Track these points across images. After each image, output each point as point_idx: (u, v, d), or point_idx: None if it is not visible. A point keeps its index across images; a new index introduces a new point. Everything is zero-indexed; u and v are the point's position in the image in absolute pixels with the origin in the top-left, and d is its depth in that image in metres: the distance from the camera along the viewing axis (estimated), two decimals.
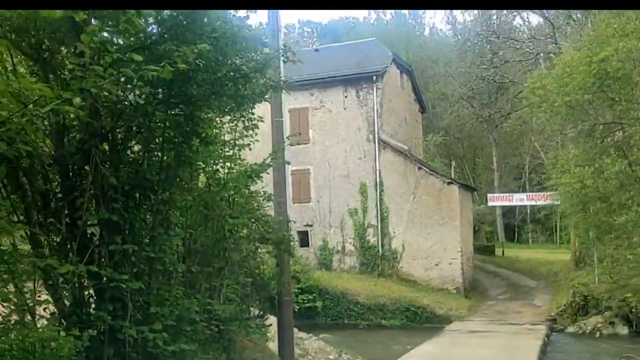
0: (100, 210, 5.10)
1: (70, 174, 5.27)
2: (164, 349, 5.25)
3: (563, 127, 14.68)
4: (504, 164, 45.88)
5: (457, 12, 44.16)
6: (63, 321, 5.04)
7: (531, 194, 31.55)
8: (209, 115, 6.27)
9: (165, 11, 5.00)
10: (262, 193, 8.90)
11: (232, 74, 5.29)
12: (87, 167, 5.17)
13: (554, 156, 17.33)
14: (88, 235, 5.30)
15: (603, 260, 17.87)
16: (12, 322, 4.46)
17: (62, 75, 5.15)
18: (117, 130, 5.43)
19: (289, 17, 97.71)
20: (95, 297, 5.23)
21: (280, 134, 10.00)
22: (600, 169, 12.68)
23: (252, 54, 5.65)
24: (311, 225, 24.24)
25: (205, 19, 5.15)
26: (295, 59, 5.92)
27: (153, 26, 5.29)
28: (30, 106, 4.02)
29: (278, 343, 10.21)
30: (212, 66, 5.14)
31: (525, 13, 33.98)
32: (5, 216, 4.90)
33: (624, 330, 17.34)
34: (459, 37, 45.36)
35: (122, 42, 4.99)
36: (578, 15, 24.50)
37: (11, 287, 4.67)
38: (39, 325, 4.84)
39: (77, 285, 5.08)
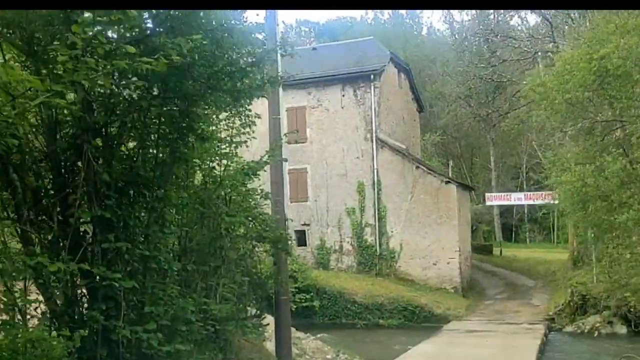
0: (93, 208, 4.98)
1: (62, 170, 5.16)
2: (159, 350, 5.14)
3: (563, 124, 14.57)
4: (502, 163, 45.82)
5: (454, 12, 44.08)
6: (55, 321, 4.93)
7: (529, 193, 31.47)
8: (205, 111, 6.16)
9: None
10: (260, 191, 8.79)
11: (228, 68, 5.18)
12: (79, 163, 5.06)
13: (554, 154, 17.22)
14: (80, 233, 5.19)
15: (602, 259, 17.81)
16: (1, 322, 4.34)
17: (55, 70, 5.04)
18: (111, 125, 5.31)
19: (286, 16, 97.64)
20: (87, 296, 5.11)
21: (278, 132, 9.89)
22: (600, 167, 12.60)
23: (249, 48, 5.53)
24: (308, 225, 24.13)
25: (201, 12, 5.03)
26: (293, 53, 5.80)
27: (147, 20, 5.18)
28: (21, 100, 3.91)
29: (275, 343, 10.12)
30: (208, 60, 5.04)
31: (523, 12, 33.92)
32: None
33: (622, 329, 17.27)
34: (456, 36, 45.31)
35: (115, 35, 4.86)
36: (575, 14, 24.44)
37: (0, 286, 4.54)
38: (30, 326, 4.73)
39: (69, 284, 4.97)
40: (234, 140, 7.91)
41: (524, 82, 18.36)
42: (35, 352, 4.30)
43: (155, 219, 5.59)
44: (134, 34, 4.96)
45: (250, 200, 8.59)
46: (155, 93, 5.35)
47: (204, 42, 5.00)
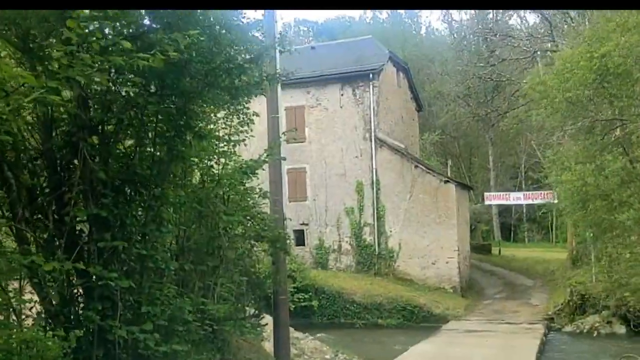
0: (89, 206, 4.92)
1: (58, 168, 5.10)
2: (156, 350, 5.08)
3: (563, 123, 14.51)
4: (500, 163, 45.80)
5: (453, 11, 44.01)
6: (50, 321, 4.86)
7: (528, 192, 31.41)
8: (203, 108, 6.09)
9: None
10: (258, 190, 8.72)
11: (226, 64, 5.11)
12: (75, 161, 4.99)
13: (554, 153, 17.17)
14: (76, 232, 5.13)
15: (601, 258, 17.76)
16: None
17: (50, 67, 4.97)
18: (107, 123, 5.24)
19: (285, 16, 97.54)
20: (83, 296, 5.05)
21: (276, 131, 9.83)
22: (600, 166, 12.55)
23: (247, 45, 5.46)
24: (307, 224, 24.07)
25: None
26: (291, 50, 5.74)
27: (144, 16, 5.11)
28: (15, 96, 3.84)
29: (274, 343, 10.07)
30: (206, 56, 4.97)
31: (522, 11, 33.87)
32: None
33: (621, 329, 17.23)
34: (455, 35, 45.29)
35: (111, 31, 4.80)
36: (574, 13, 24.40)
37: None
38: (25, 326, 4.66)
39: (64, 284, 4.90)
40: (232, 138, 7.84)
41: (524, 81, 18.33)
42: (30, 353, 4.24)
43: (153, 217, 5.52)
44: (131, 30, 4.91)
45: (249, 199, 8.52)
46: (152, 90, 5.28)
47: (202, 39, 4.94)
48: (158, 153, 5.63)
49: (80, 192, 4.94)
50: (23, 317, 4.73)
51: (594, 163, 12.85)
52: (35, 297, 4.87)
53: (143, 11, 4.96)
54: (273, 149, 8.93)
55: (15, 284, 4.71)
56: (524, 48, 29.76)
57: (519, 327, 17.44)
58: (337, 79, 23.80)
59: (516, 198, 31.46)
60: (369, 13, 60.49)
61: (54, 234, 4.91)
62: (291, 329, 11.49)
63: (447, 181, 23.31)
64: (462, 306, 20.94)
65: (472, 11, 37.64)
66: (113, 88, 5.12)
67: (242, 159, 8.27)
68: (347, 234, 23.73)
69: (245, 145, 8.00)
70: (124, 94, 5.29)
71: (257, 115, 7.71)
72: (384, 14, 58.51)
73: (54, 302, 4.89)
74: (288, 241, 9.92)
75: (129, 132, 5.47)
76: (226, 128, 7.76)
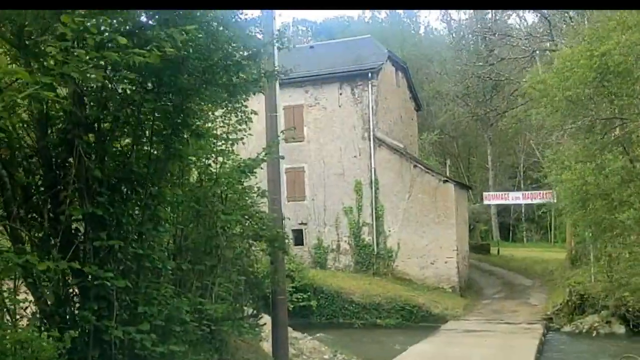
0: (85, 205, 4.85)
1: (53, 166, 5.03)
2: (152, 351, 5.01)
3: (563, 122, 14.45)
4: (499, 162, 45.77)
5: (452, 11, 43.97)
6: (45, 321, 4.79)
7: (527, 192, 31.39)
8: (200, 106, 6.02)
9: None
10: (256, 189, 8.66)
11: (223, 61, 5.04)
12: (71, 159, 4.92)
13: (554, 152, 17.12)
14: (72, 231, 5.06)
15: (600, 258, 17.72)
16: None
17: (45, 63, 4.91)
18: (103, 120, 5.18)
19: (283, 15, 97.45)
20: (79, 296, 4.98)
21: (275, 130, 9.77)
22: (601, 165, 12.50)
23: (245, 41, 5.39)
24: (306, 224, 24.01)
25: None
26: (290, 46, 5.68)
27: (141, 12, 5.05)
28: (9, 93, 3.78)
29: (272, 343, 10.02)
30: (203, 53, 4.91)
31: (521, 11, 33.82)
32: None
33: (620, 329, 17.19)
34: (453, 35, 45.28)
35: (107, 28, 4.73)
36: (572, 12, 24.36)
37: None
38: (20, 326, 4.60)
39: (59, 283, 4.83)
40: (230, 137, 7.78)
41: (523, 80, 18.27)
42: (24, 354, 4.17)
43: (149, 216, 5.46)
44: (127, 27, 4.84)
45: (247, 198, 8.46)
46: (149, 87, 5.21)
47: (199, 36, 4.88)
48: (155, 151, 5.56)
49: (76, 191, 4.88)
50: (18, 317, 4.66)
51: (594, 162, 12.81)
52: (30, 297, 4.80)
53: None
54: (271, 148, 8.87)
55: (10, 284, 4.64)
56: (523, 47, 29.73)
57: (518, 327, 17.40)
58: (336, 78, 23.74)
59: (515, 198, 31.45)
60: (368, 13, 60.50)
61: (49, 232, 4.84)
62: (290, 329, 11.43)
63: (446, 181, 23.27)
64: (461, 306, 20.90)
65: (471, 11, 37.62)
66: (109, 85, 5.05)
67: (240, 158, 8.20)
68: (345, 234, 23.67)
69: (243, 144, 7.93)
70: (120, 91, 5.23)
71: (256, 113, 7.64)
72: (382, 13, 58.52)
73: (49, 302, 4.83)
74: (286, 241, 9.87)
75: (125, 129, 5.40)
76: (224, 126, 7.69)
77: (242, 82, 5.52)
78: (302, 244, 23.93)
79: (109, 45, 4.43)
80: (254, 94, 6.53)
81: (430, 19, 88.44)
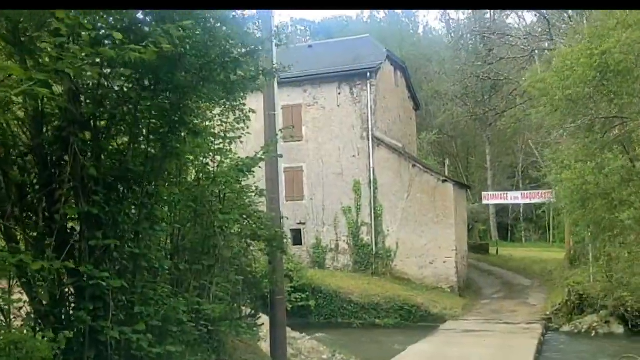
0: (80, 204, 4.78)
1: (49, 164, 4.95)
2: (149, 351, 4.94)
3: (563, 121, 14.40)
4: (498, 162, 45.79)
5: (451, 10, 43.93)
6: (40, 322, 4.72)
7: (526, 192, 31.40)
8: (198, 104, 5.96)
9: None
10: (255, 189, 8.60)
11: (221, 58, 4.98)
12: (66, 158, 4.85)
13: (554, 151, 17.09)
14: (67, 230, 4.98)
15: (599, 258, 17.69)
16: None
17: (41, 60, 4.84)
18: (99, 118, 5.11)
19: (282, 15, 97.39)
20: (74, 296, 4.91)
21: (273, 128, 9.72)
22: (601, 165, 12.46)
23: (243, 38, 5.33)
24: (304, 223, 23.96)
25: None
26: (288, 43, 5.62)
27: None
28: (1, 89, 3.71)
29: (270, 343, 9.97)
30: (200, 50, 4.84)
31: (520, 10, 33.80)
32: None
33: (619, 329, 17.17)
34: (452, 35, 45.26)
35: (104, 24, 4.67)
36: (571, 12, 24.34)
37: None
38: (15, 327, 4.53)
39: (55, 283, 4.76)
40: (228, 135, 7.72)
41: (523, 79, 18.23)
42: (18, 354, 4.11)
43: (146, 215, 5.39)
44: (124, 24, 4.78)
45: (245, 197, 8.40)
46: (145, 85, 5.15)
47: (197, 32, 4.82)
48: (152, 149, 5.49)
49: (71, 189, 4.81)
50: (12, 317, 4.60)
51: (594, 161, 12.76)
52: (25, 297, 4.74)
53: None
54: (270, 147, 8.81)
55: (4, 284, 4.57)
56: (522, 47, 29.72)
57: (517, 327, 17.35)
58: (335, 77, 23.68)
59: (514, 197, 31.47)
60: (366, 12, 60.46)
61: (44, 232, 4.77)
62: (288, 329, 11.38)
63: (445, 180, 23.23)
64: (460, 306, 20.86)
65: (470, 10, 37.57)
66: (105, 83, 4.98)
67: (239, 157, 8.15)
68: (344, 234, 23.62)
69: (241, 142, 7.88)
70: (117, 88, 5.16)
71: (254, 112, 7.59)
72: (381, 13, 58.49)
73: (43, 302, 4.75)
74: (285, 240, 9.81)
75: (121, 127, 5.33)
76: (222, 125, 7.64)
77: (240, 79, 5.46)
78: (301, 244, 23.88)
79: (105, 42, 4.37)
80: (252, 92, 6.47)
81: (429, 18, 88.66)
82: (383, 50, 25.82)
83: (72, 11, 3.99)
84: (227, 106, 7.10)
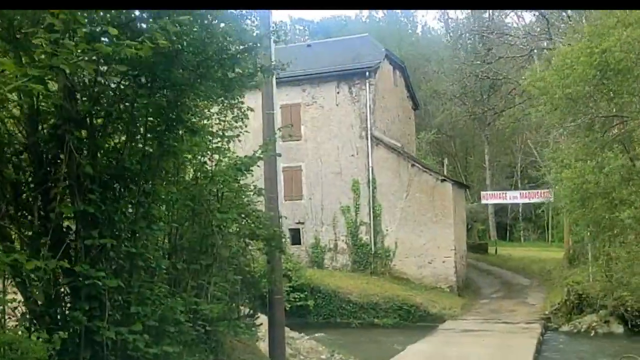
0: (76, 202, 4.72)
1: (44, 162, 4.89)
2: (146, 352, 4.90)
3: (563, 120, 14.36)
4: (496, 162, 45.79)
5: (449, 10, 43.88)
6: (35, 322, 4.66)
7: (524, 191, 31.38)
8: (196, 102, 5.90)
9: None
10: (253, 188, 8.54)
11: (218, 55, 4.92)
12: (62, 156, 4.79)
13: (554, 150, 17.05)
14: (63, 229, 4.93)
15: (598, 258, 17.65)
16: None
17: (36, 57, 4.78)
18: (95, 115, 5.04)
19: (281, 14, 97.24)
20: (70, 296, 4.85)
21: (272, 127, 9.66)
22: (601, 164, 12.42)
23: (241, 34, 5.27)
24: (303, 223, 23.90)
25: None
26: (286, 40, 5.55)
27: None
28: None
29: (269, 343, 9.91)
30: (197, 46, 4.78)
31: (519, 10, 33.73)
32: None
33: (619, 329, 17.13)
34: (451, 34, 45.22)
35: (99, 20, 4.60)
36: (570, 11, 24.30)
37: None
38: (9, 327, 4.47)
39: (50, 283, 4.69)
40: (226, 134, 7.66)
41: (522, 79, 18.16)
42: (13, 355, 4.05)
43: (143, 214, 5.33)
44: (120, 20, 4.71)
45: (243, 196, 8.35)
46: (142, 82, 5.08)
47: (194, 29, 4.76)
48: (148, 148, 5.44)
49: (67, 188, 4.75)
50: (7, 317, 4.54)
51: (594, 160, 12.72)
52: (19, 297, 4.68)
53: None
54: (268, 146, 8.75)
55: None
56: (521, 46, 29.66)
57: (516, 326, 17.31)
58: (333, 76, 23.62)
59: (513, 197, 31.45)
60: (365, 12, 60.42)
61: (39, 231, 4.71)
62: (286, 329, 11.33)
63: (444, 180, 23.18)
64: (459, 305, 20.82)
65: (468, 10, 37.52)
66: (101, 80, 4.92)
67: (237, 156, 8.09)
68: (343, 233, 23.57)
69: (239, 141, 7.82)
70: (113, 86, 5.10)
71: (252, 110, 7.52)
72: (380, 13, 58.42)
73: (38, 302, 4.70)
74: (283, 240, 9.75)
75: (118, 125, 5.27)
76: (220, 123, 7.58)
77: (238, 76, 5.40)
78: (300, 243, 23.82)
79: (101, 38, 4.31)
80: (250, 90, 6.41)
81: (428, 18, 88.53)
82: (382, 50, 25.77)
83: None
84: (225, 104, 7.05)
